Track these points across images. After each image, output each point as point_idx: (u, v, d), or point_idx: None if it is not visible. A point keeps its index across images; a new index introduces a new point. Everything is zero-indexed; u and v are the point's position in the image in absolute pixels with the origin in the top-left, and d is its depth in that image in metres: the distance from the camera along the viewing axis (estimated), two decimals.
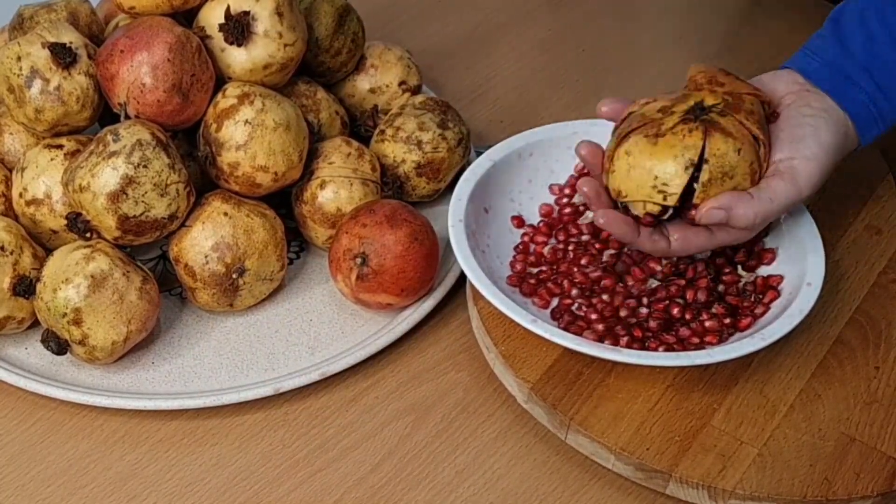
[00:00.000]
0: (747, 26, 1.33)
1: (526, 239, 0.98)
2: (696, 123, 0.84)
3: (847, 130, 0.90)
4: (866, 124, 0.90)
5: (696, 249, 0.88)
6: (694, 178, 0.84)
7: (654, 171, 0.84)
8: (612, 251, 0.95)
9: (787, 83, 0.91)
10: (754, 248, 0.95)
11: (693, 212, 0.85)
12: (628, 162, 0.85)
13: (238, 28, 0.95)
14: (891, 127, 0.92)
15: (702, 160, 0.84)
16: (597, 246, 0.96)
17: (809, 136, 0.87)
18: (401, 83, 1.09)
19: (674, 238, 0.87)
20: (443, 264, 0.99)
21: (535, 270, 0.95)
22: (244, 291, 0.95)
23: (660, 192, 0.84)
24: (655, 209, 0.85)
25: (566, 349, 0.88)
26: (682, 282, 0.92)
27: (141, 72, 0.92)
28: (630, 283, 0.92)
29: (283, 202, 1.02)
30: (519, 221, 0.99)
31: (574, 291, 0.92)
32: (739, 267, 0.94)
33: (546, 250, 0.96)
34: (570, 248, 0.95)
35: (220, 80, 0.97)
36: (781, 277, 0.92)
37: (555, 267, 0.95)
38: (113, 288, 0.89)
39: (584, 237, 0.96)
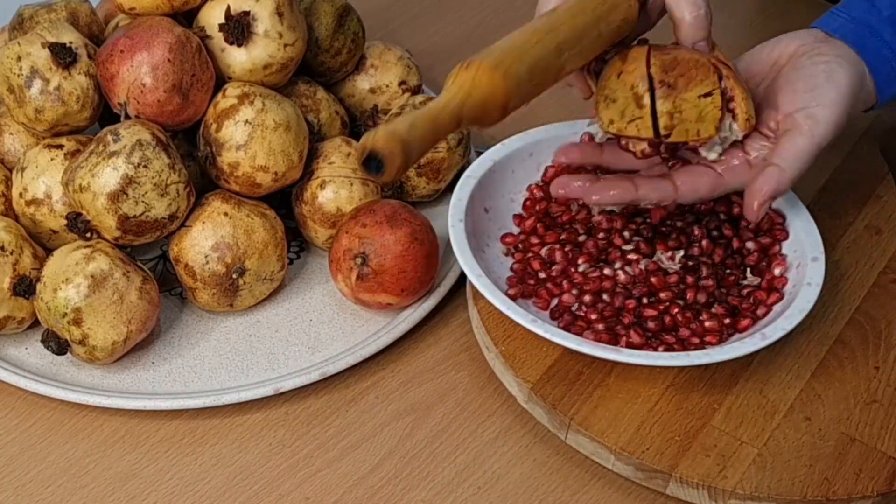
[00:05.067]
0: (748, 27, 1.33)
1: (523, 238, 0.98)
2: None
3: (865, 77, 0.89)
4: (887, 80, 0.89)
5: (705, 193, 0.88)
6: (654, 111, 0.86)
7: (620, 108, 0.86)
8: (602, 238, 0.95)
9: (801, 38, 0.90)
10: (768, 253, 0.95)
11: (742, 209, 0.88)
12: (604, 94, 0.88)
13: (238, 28, 0.95)
14: None
15: (652, 88, 0.85)
16: (594, 245, 0.95)
17: (824, 82, 0.87)
18: (401, 83, 1.09)
19: (679, 182, 0.88)
20: (443, 264, 0.99)
21: (534, 271, 0.95)
22: (244, 291, 0.96)
23: (633, 122, 0.86)
24: (641, 146, 0.87)
25: (566, 349, 0.88)
26: (688, 280, 0.92)
27: (141, 72, 0.92)
28: (626, 279, 0.92)
29: (283, 202, 1.02)
30: (519, 221, 0.99)
31: (574, 291, 0.92)
32: (749, 270, 0.94)
33: (544, 251, 0.96)
34: (567, 248, 0.95)
35: (220, 80, 0.97)
36: (786, 280, 0.92)
37: (553, 267, 0.95)
38: (113, 288, 0.89)
39: (581, 237, 0.96)
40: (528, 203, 1.00)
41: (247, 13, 0.95)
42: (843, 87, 0.87)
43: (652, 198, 0.89)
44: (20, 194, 0.95)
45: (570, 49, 0.83)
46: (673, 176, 0.89)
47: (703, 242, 0.94)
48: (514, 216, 1.00)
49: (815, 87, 0.87)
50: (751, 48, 0.93)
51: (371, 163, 0.70)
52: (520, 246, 0.97)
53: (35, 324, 0.94)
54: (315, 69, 1.06)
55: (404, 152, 0.70)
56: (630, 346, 0.88)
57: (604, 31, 0.85)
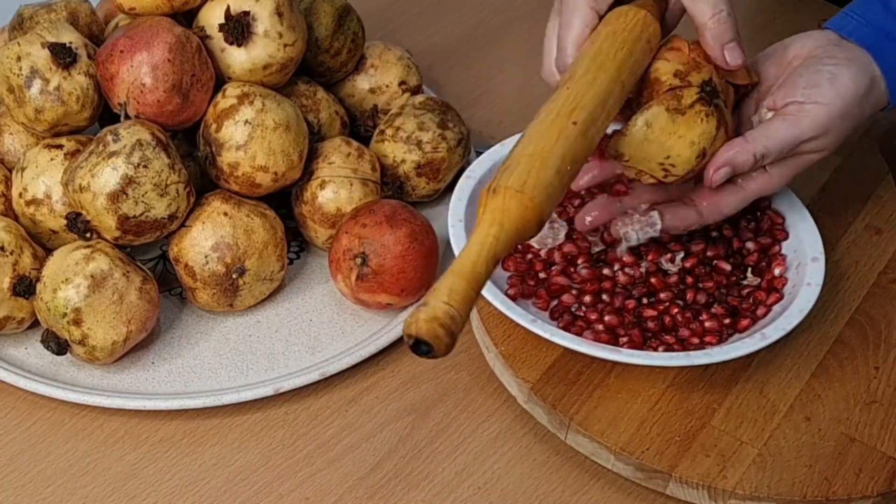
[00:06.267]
0: (747, 27, 1.33)
1: None
2: (712, 109, 0.84)
3: (874, 81, 0.89)
4: None
5: (731, 209, 0.89)
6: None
7: (668, 152, 0.85)
8: (604, 246, 0.94)
9: (816, 40, 0.90)
10: (769, 252, 0.94)
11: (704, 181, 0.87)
12: (645, 133, 0.84)
13: (238, 28, 0.95)
14: None
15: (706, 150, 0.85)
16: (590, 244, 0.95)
17: (826, 81, 0.87)
18: (401, 83, 1.09)
19: (703, 206, 0.89)
20: (443, 264, 0.99)
21: (534, 271, 0.95)
22: (244, 291, 0.95)
23: (664, 169, 0.85)
24: (650, 181, 0.86)
25: (566, 349, 0.88)
26: (688, 280, 0.92)
27: (141, 72, 0.92)
28: (626, 279, 0.92)
29: (283, 202, 1.02)
30: None
31: (574, 291, 0.92)
32: (749, 270, 0.94)
33: (543, 251, 0.96)
34: (566, 248, 0.95)
35: (220, 80, 0.97)
36: (786, 280, 0.92)
37: (553, 267, 0.95)
38: (113, 288, 0.89)
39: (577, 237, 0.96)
40: None
41: (247, 13, 0.95)
42: (844, 90, 0.87)
43: (679, 226, 0.90)
44: (20, 194, 0.95)
45: (596, 122, 0.79)
46: (695, 200, 0.90)
47: (702, 245, 0.94)
48: None
49: (815, 84, 0.87)
50: (752, 48, 0.93)
51: (420, 347, 0.69)
52: (518, 247, 0.97)
53: (35, 324, 0.94)
54: (315, 69, 1.06)
55: (449, 331, 0.69)
56: (630, 346, 0.88)
57: (626, 80, 0.82)
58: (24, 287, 0.91)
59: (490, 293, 0.88)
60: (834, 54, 0.88)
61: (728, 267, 0.93)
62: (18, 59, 0.93)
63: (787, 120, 0.86)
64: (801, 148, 0.88)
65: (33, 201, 0.95)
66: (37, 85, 0.93)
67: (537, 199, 0.73)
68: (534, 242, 0.95)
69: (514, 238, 0.72)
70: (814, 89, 0.87)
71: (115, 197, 0.89)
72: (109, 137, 0.90)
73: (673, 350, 0.88)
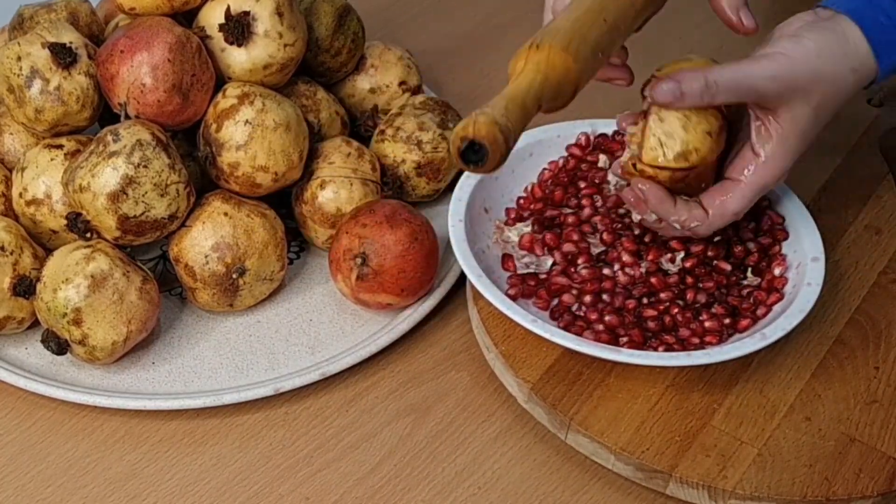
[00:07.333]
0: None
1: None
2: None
3: (848, 41, 0.87)
4: (885, 48, 0.88)
5: (736, 205, 0.87)
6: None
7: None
8: (604, 246, 0.94)
9: (802, 18, 0.89)
10: (769, 252, 0.95)
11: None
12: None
13: (238, 28, 0.95)
14: None
15: None
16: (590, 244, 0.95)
17: (789, 38, 0.86)
18: (401, 83, 1.09)
19: (711, 206, 0.87)
20: (443, 264, 0.99)
21: (534, 271, 0.95)
22: (244, 291, 0.96)
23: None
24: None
25: (566, 349, 0.88)
26: (688, 280, 0.92)
27: (141, 72, 0.92)
28: (626, 279, 0.92)
29: (283, 202, 1.02)
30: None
31: (574, 291, 0.92)
32: (749, 270, 0.94)
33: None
34: (565, 248, 0.95)
35: (220, 80, 0.97)
36: (786, 280, 0.92)
37: (553, 267, 0.95)
38: (113, 288, 0.89)
39: (576, 238, 0.96)
40: (522, 202, 1.00)
41: (247, 13, 0.95)
42: (807, 43, 0.85)
43: (683, 217, 0.87)
44: (20, 194, 0.95)
45: (619, 28, 0.81)
46: (702, 201, 0.88)
47: (702, 244, 0.94)
48: (514, 217, 1.00)
49: (778, 39, 0.86)
50: (752, 52, 0.93)
51: (469, 154, 0.63)
52: (519, 249, 0.97)
53: (35, 324, 0.94)
54: (315, 69, 1.06)
55: (506, 140, 0.64)
56: (630, 346, 0.88)
57: (638, 5, 0.84)
58: (24, 287, 0.91)
59: (490, 293, 0.88)
60: (808, 22, 0.87)
61: (728, 267, 0.93)
62: (18, 59, 0.93)
63: (745, 60, 0.85)
64: (765, 101, 0.85)
65: (33, 201, 0.95)
66: (37, 85, 0.93)
67: (579, 63, 0.74)
68: (518, 264, 0.95)
69: (555, 90, 0.72)
70: (778, 41, 0.86)
71: (116, 197, 0.89)
72: (109, 137, 0.90)
73: (673, 350, 0.88)
